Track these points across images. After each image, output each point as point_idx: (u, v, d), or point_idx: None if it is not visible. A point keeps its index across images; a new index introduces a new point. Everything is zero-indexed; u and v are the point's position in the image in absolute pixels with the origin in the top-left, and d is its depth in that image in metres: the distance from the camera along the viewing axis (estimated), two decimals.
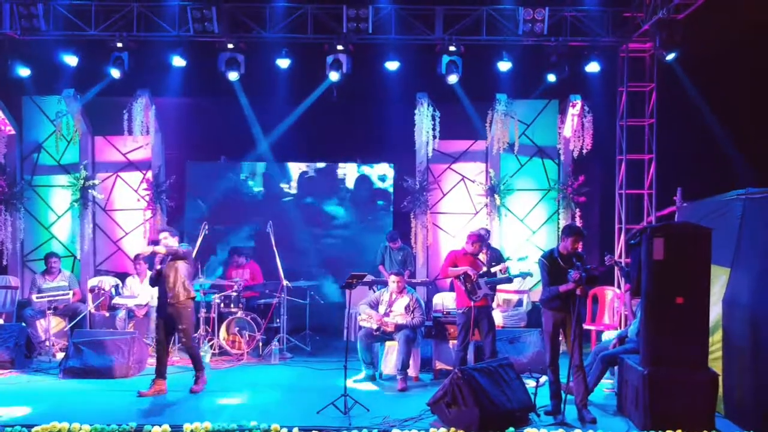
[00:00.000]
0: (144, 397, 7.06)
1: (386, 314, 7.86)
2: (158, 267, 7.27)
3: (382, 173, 11.36)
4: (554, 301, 6.46)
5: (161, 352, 7.32)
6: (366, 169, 11.39)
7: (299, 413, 6.51)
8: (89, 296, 9.38)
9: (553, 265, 6.49)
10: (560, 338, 6.62)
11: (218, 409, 6.69)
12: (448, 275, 7.65)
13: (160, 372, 7.26)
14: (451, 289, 8.82)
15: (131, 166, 10.82)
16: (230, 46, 9.35)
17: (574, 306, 6.34)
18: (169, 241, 7.28)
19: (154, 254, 7.27)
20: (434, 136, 10.17)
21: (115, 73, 9.36)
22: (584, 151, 10.04)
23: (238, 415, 6.25)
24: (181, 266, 7.29)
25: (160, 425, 5.84)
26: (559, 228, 10.32)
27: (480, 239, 7.65)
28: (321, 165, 11.49)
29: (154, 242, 7.42)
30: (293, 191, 11.44)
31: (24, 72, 9.53)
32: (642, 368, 6.13)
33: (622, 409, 6.61)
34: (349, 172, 11.44)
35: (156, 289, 9.06)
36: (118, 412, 6.52)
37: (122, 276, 9.91)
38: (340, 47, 9.26)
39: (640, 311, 6.54)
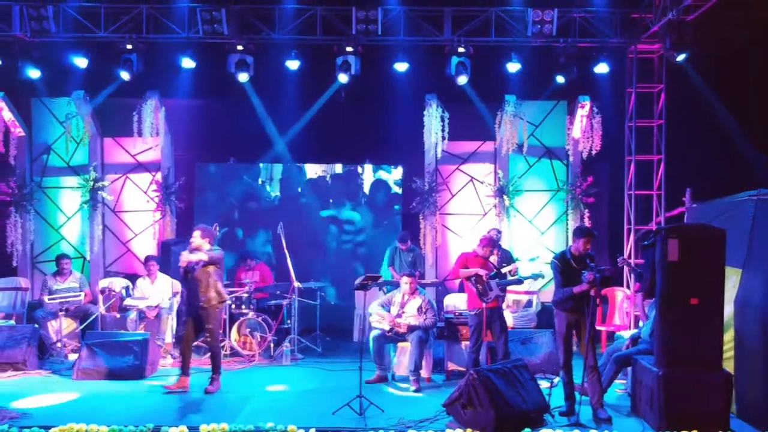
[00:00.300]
0: (167, 391, 7.21)
1: (399, 315, 7.87)
2: (181, 268, 7.28)
3: (399, 178, 11.34)
4: (568, 302, 6.47)
5: (186, 349, 7.37)
6: (383, 174, 11.39)
7: (314, 414, 6.53)
8: (100, 298, 9.39)
9: (565, 266, 6.50)
10: (572, 339, 6.66)
11: (237, 409, 6.71)
12: (458, 276, 7.67)
13: (185, 369, 7.33)
14: (460, 290, 8.84)
15: (141, 167, 10.85)
16: (240, 47, 9.36)
17: (588, 307, 6.37)
18: (197, 241, 7.27)
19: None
20: (443, 137, 10.18)
21: (125, 75, 9.39)
22: (593, 152, 10.07)
23: (254, 416, 6.28)
24: (214, 271, 7.29)
25: (177, 426, 5.87)
26: (568, 229, 10.35)
27: (491, 243, 7.65)
28: (338, 170, 11.49)
29: (196, 249, 7.30)
30: (308, 195, 11.43)
31: (34, 74, 9.54)
32: (656, 369, 6.15)
33: (636, 410, 6.64)
34: (365, 176, 11.44)
35: (164, 291, 9.17)
36: (134, 412, 6.56)
37: (132, 277, 9.93)
38: (349, 48, 9.28)
39: (654, 312, 6.56)
